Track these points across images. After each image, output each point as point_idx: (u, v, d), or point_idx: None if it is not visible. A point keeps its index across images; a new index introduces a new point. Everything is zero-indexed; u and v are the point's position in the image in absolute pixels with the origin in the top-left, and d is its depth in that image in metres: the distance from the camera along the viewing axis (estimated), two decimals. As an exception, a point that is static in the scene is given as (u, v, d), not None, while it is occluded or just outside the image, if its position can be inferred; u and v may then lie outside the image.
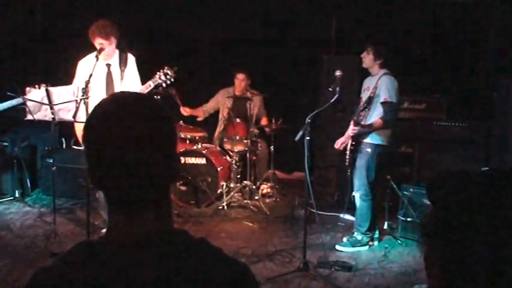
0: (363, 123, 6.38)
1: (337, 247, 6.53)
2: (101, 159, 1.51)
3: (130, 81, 6.26)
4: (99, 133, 1.52)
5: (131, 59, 6.36)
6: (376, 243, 6.70)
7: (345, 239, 6.68)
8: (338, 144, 6.66)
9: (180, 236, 1.56)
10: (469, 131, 7.59)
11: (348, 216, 7.28)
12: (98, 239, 1.60)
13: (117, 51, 6.29)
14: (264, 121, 8.96)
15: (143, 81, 6.27)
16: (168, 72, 6.10)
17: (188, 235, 1.57)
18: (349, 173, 6.66)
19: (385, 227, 6.96)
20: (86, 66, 6.07)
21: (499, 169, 1.53)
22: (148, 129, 1.52)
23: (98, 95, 5.98)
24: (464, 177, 1.57)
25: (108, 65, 6.24)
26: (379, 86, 6.37)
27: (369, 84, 6.55)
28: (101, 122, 1.53)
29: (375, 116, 6.39)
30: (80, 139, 6.23)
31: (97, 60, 5.83)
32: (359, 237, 6.60)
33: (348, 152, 6.56)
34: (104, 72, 6.23)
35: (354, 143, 6.44)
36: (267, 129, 8.78)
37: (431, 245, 1.53)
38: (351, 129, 6.34)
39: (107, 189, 1.56)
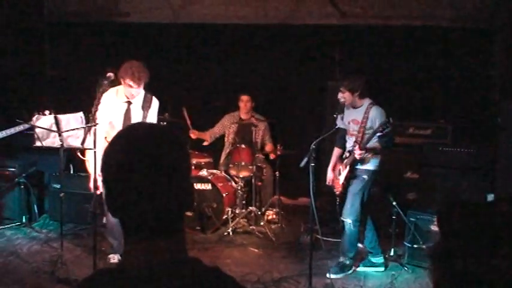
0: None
1: (328, 275, 6.40)
2: (118, 188, 1.55)
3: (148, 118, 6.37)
4: (117, 163, 1.56)
5: (155, 102, 6.44)
6: (382, 269, 6.69)
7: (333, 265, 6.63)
8: (329, 181, 6.75)
9: (194, 264, 1.59)
10: (474, 157, 7.59)
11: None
12: (114, 267, 1.63)
13: (142, 92, 6.36)
14: (268, 147, 9.01)
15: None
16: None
17: (202, 263, 1.60)
18: (338, 202, 6.65)
19: (392, 253, 6.94)
20: (108, 99, 6.17)
21: (508, 199, 1.54)
22: (165, 159, 1.56)
23: (115, 130, 6.08)
24: (474, 207, 1.59)
25: (129, 103, 6.32)
26: (371, 118, 6.37)
27: (353, 117, 6.53)
28: (119, 152, 1.58)
29: (370, 145, 6.42)
30: (87, 165, 6.29)
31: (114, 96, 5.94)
32: (347, 262, 6.61)
33: (341, 181, 6.56)
34: (123, 109, 6.32)
35: (350, 172, 6.46)
36: (271, 156, 8.83)
37: (442, 273, 1.55)
38: (357, 154, 6.30)
39: (124, 217, 1.59)
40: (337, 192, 6.70)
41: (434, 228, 6.53)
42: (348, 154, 6.51)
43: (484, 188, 7.28)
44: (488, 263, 1.43)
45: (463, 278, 1.47)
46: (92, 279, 1.60)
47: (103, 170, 1.61)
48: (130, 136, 1.63)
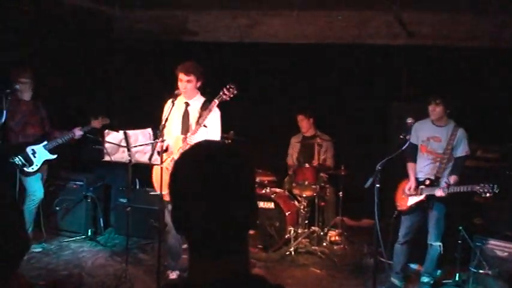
0: (441, 175, 6.43)
1: None
2: (185, 205, 1.58)
3: (209, 128, 6.30)
4: (185, 181, 1.59)
5: (216, 110, 6.38)
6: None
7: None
8: (411, 189, 6.60)
9: (259, 282, 1.60)
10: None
11: (415, 266, 7.18)
12: (180, 282, 1.66)
13: (202, 98, 6.44)
14: (327, 163, 9.01)
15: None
16: (231, 86, 6.23)
17: (266, 281, 1.60)
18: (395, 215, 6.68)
19: (457, 278, 6.79)
20: (169, 104, 6.27)
21: None
22: (232, 178, 1.58)
23: (173, 131, 6.17)
24: None
25: (187, 104, 6.39)
26: (458, 139, 6.41)
27: (437, 134, 6.52)
28: (187, 170, 1.60)
29: (450, 167, 6.38)
30: (155, 182, 6.36)
31: (173, 105, 6.01)
32: (431, 281, 6.60)
33: (410, 203, 6.50)
34: (182, 110, 6.39)
35: (425, 200, 6.43)
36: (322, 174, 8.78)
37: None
38: (441, 193, 6.26)
39: (189, 234, 1.62)
40: (399, 208, 6.65)
41: (501, 253, 6.38)
42: (428, 182, 6.45)
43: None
44: None
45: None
46: None
47: (171, 186, 1.64)
48: (199, 154, 1.65)
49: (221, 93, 6.21)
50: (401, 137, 6.44)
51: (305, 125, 9.23)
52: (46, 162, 7.51)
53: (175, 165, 1.67)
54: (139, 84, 9.89)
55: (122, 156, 5.94)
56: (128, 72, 10.14)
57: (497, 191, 5.95)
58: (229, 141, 7.97)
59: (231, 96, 6.25)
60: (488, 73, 8.85)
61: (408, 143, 6.43)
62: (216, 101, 6.21)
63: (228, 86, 6.25)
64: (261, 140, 9.36)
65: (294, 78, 9.92)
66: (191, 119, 6.36)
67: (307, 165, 8.49)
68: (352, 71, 9.69)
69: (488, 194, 5.99)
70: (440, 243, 6.44)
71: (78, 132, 7.47)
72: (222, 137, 6.79)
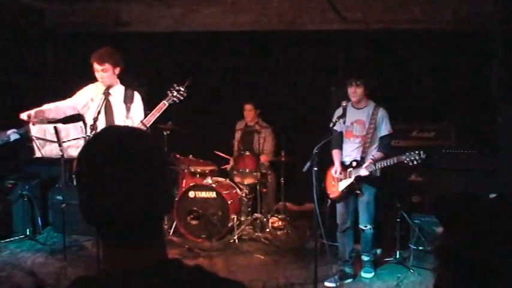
0: (366, 155, 6.47)
1: (364, 275, 6.64)
2: (93, 194, 1.52)
3: (135, 117, 6.17)
4: (91, 169, 1.53)
5: (137, 97, 6.28)
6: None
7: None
8: (337, 173, 6.63)
9: (175, 265, 1.56)
10: (478, 159, 7.50)
11: (357, 246, 7.27)
12: (94, 275, 1.60)
13: (122, 87, 6.25)
14: (263, 158, 8.83)
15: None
16: (180, 88, 6.11)
17: (182, 263, 1.57)
18: (329, 203, 6.75)
19: (397, 256, 6.91)
20: (86, 92, 6.16)
21: (507, 196, 1.54)
22: (139, 165, 1.52)
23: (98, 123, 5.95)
24: (472, 200, 1.58)
25: (107, 94, 6.09)
26: (379, 119, 6.43)
27: (359, 117, 6.52)
28: (93, 158, 1.54)
29: (374, 148, 6.42)
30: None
31: (104, 98, 5.87)
32: (372, 258, 6.72)
33: (341, 188, 6.54)
34: (102, 101, 6.02)
35: (355, 182, 6.45)
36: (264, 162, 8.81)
37: (445, 270, 1.54)
38: (365, 171, 6.31)
39: (100, 223, 1.56)
40: (332, 196, 6.69)
41: (439, 229, 6.49)
42: (355, 163, 6.47)
43: (489, 189, 7.20)
44: (489, 256, 1.42)
45: (462, 270, 1.45)
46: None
47: (77, 172, 1.57)
48: (104, 140, 1.59)
49: (170, 95, 6.08)
50: (335, 121, 6.45)
51: (252, 115, 9.19)
52: None
53: (83, 148, 1.60)
54: (72, 77, 9.66)
55: (51, 149, 5.76)
56: (61, 64, 9.91)
57: (424, 157, 5.97)
58: (168, 132, 7.90)
59: (181, 99, 6.13)
60: (421, 55, 9.01)
61: (332, 130, 6.46)
62: (166, 103, 6.07)
63: (177, 88, 6.13)
64: (202, 130, 9.35)
65: (232, 66, 9.90)
66: (114, 109, 6.16)
67: (247, 153, 8.50)
68: (289, 58, 9.72)
69: (415, 162, 6.02)
70: (371, 226, 6.51)
71: (13, 136, 7.07)
72: (153, 125, 6.66)
